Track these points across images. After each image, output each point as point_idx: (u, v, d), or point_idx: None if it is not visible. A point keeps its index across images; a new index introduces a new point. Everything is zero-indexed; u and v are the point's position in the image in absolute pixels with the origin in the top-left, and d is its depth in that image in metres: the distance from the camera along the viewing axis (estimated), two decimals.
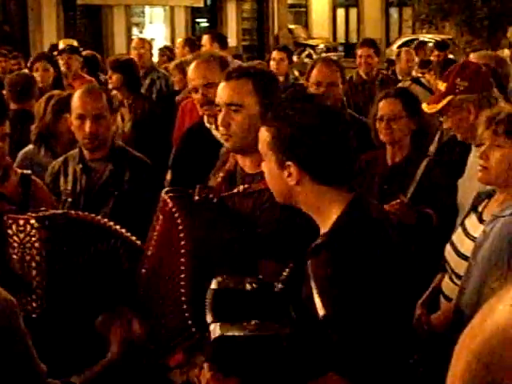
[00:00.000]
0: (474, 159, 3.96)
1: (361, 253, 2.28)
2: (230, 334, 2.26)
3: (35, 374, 2.35)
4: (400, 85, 7.42)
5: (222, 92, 3.29)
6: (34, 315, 3.02)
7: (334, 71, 4.95)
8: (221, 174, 3.37)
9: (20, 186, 3.68)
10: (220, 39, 7.91)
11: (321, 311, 2.23)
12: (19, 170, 3.82)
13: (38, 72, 7.45)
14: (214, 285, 2.49)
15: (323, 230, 2.41)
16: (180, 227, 2.99)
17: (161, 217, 3.11)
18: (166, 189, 3.23)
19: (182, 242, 2.96)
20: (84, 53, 10.28)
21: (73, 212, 3.36)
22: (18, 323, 2.29)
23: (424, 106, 4.17)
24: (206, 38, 7.97)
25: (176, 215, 3.04)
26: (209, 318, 2.38)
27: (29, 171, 3.90)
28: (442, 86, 4.13)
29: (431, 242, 3.98)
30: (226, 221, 3.13)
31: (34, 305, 3.09)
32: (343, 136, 2.46)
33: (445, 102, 4.03)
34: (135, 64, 7.22)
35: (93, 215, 3.32)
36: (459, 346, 0.95)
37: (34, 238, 3.18)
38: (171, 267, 3.00)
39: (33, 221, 3.20)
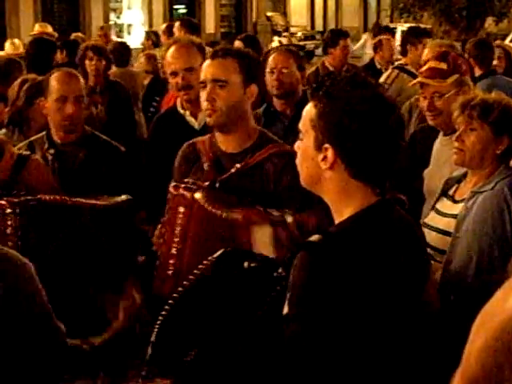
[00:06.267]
0: (440, 148, 4.03)
1: (343, 270, 2.09)
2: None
3: (55, 330, 2.47)
4: (386, 74, 7.43)
5: (208, 69, 3.37)
6: None
7: (285, 58, 5.07)
8: (206, 164, 3.38)
9: (13, 167, 3.64)
10: (190, 26, 7.87)
11: (285, 308, 2.13)
12: (17, 151, 3.78)
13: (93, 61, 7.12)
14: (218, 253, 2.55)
15: (336, 220, 2.27)
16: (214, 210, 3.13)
17: (181, 209, 3.19)
18: (172, 184, 3.31)
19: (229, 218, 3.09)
20: (73, 36, 10.45)
21: (47, 197, 3.36)
22: (36, 285, 2.41)
23: (428, 81, 4.13)
24: (176, 26, 7.98)
25: (202, 203, 3.16)
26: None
27: (28, 152, 3.88)
28: (437, 64, 4.15)
29: None
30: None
31: None
32: (392, 132, 2.26)
33: (452, 79, 4.09)
34: None
35: (64, 197, 3.37)
36: (478, 322, 0.92)
37: (8, 223, 3.20)
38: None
39: (5, 205, 3.20)
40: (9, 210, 3.22)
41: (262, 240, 3.04)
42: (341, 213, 2.25)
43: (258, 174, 3.29)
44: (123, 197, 3.57)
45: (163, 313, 2.45)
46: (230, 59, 3.37)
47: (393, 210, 2.34)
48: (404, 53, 7.56)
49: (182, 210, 3.19)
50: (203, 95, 3.36)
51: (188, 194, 3.19)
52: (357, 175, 2.23)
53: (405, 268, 2.26)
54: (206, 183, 3.24)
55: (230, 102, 3.32)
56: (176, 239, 3.20)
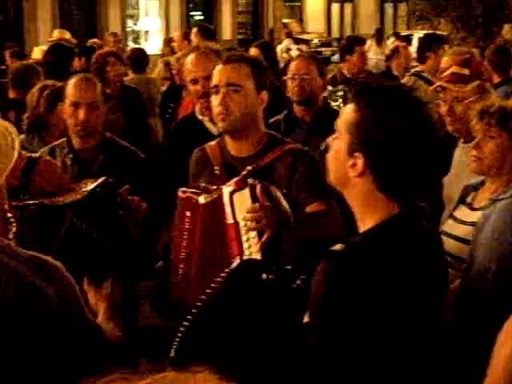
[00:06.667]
0: (460, 155, 4.02)
1: (365, 280, 2.09)
2: None
3: (93, 327, 2.43)
4: (404, 80, 7.43)
5: (222, 74, 3.36)
6: None
7: (307, 64, 5.08)
8: (217, 168, 3.38)
9: (23, 171, 3.64)
10: (206, 32, 7.88)
11: (306, 317, 2.13)
12: (27, 154, 3.78)
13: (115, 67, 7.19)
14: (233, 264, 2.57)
15: (359, 227, 2.27)
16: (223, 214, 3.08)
17: (188, 213, 3.18)
18: (182, 188, 3.29)
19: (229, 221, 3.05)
20: (90, 42, 10.58)
21: (46, 200, 3.38)
22: (75, 288, 2.35)
23: (449, 86, 4.12)
24: (193, 32, 8.00)
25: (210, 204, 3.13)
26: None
27: (37, 154, 3.88)
28: (460, 70, 4.14)
29: None
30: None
31: None
32: (427, 154, 2.22)
33: (473, 85, 4.07)
34: None
35: (65, 198, 3.38)
36: (505, 330, 0.92)
37: (9, 227, 3.21)
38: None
39: (6, 209, 3.23)
40: (9, 215, 3.24)
41: (242, 201, 3.03)
42: (363, 221, 2.25)
43: (269, 175, 3.29)
44: (99, 180, 3.57)
45: (181, 329, 2.44)
46: (244, 65, 3.37)
47: (416, 220, 2.31)
48: (421, 60, 7.56)
49: (188, 214, 3.19)
50: (216, 100, 3.35)
51: (193, 198, 3.19)
52: (384, 189, 2.21)
53: (426, 280, 2.24)
54: (214, 187, 3.24)
55: (244, 107, 3.32)
56: (184, 243, 3.21)
